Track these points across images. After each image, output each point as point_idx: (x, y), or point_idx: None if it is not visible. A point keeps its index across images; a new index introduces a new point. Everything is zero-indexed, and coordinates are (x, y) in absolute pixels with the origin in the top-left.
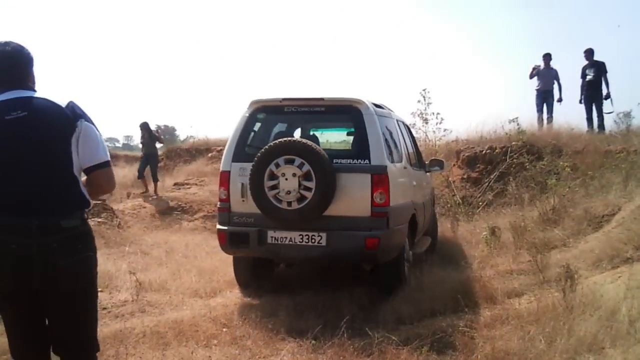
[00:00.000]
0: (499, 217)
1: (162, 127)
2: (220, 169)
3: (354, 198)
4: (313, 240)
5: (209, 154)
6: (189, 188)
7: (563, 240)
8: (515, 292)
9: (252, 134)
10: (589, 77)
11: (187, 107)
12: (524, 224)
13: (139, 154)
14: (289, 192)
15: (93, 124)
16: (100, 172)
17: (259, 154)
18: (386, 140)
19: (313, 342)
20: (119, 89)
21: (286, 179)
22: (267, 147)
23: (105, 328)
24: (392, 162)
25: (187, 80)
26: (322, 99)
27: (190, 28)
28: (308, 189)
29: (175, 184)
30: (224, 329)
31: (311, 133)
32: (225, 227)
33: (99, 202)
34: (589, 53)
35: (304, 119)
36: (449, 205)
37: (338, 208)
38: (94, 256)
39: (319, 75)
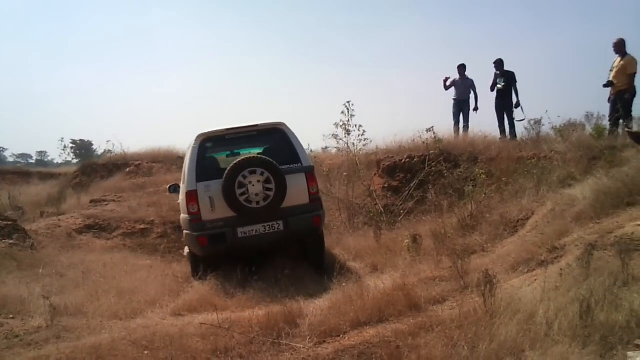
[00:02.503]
0: (420, 224)
1: (78, 141)
2: (186, 189)
3: (296, 191)
4: (273, 228)
5: (127, 169)
6: (107, 205)
7: (482, 245)
8: (438, 298)
9: (205, 158)
10: (499, 87)
11: (105, 121)
12: (444, 230)
13: (54, 170)
14: (257, 194)
15: None
16: None
17: (227, 171)
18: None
19: None
20: (30, 103)
21: (253, 185)
22: (233, 164)
23: (17, 357)
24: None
25: (105, 92)
26: (256, 125)
27: (104, 42)
28: (270, 189)
29: (92, 201)
30: (146, 352)
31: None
32: (204, 232)
33: (10, 222)
34: (499, 64)
35: (242, 142)
36: (371, 215)
37: (286, 201)
38: None
39: (236, 88)
